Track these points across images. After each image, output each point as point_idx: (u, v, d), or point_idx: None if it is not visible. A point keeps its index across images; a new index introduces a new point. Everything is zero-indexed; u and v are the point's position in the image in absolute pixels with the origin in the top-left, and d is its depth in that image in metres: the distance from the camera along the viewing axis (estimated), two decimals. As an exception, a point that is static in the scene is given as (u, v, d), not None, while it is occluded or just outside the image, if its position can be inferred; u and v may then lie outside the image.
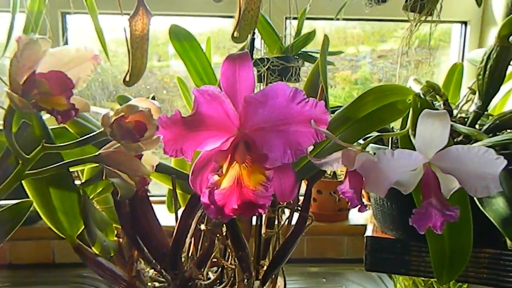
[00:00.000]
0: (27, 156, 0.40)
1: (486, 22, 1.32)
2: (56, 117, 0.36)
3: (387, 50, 1.48)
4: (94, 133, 0.41)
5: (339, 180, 1.18)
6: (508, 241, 0.61)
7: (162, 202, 1.09)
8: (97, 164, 0.48)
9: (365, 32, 1.48)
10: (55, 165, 0.42)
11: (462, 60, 1.37)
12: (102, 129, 0.39)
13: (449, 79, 0.96)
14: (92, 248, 0.56)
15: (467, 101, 0.68)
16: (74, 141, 0.42)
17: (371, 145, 0.53)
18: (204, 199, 0.45)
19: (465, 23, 1.35)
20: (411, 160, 0.39)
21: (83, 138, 0.42)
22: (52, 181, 0.53)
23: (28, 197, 0.53)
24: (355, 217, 1.23)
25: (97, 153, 0.41)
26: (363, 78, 1.50)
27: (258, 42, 0.97)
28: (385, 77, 1.48)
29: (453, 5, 1.31)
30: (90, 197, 0.64)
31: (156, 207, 1.24)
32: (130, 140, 0.38)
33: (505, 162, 0.36)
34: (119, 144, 0.41)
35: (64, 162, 0.42)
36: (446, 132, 0.38)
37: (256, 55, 0.90)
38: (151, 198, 1.32)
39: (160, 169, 0.61)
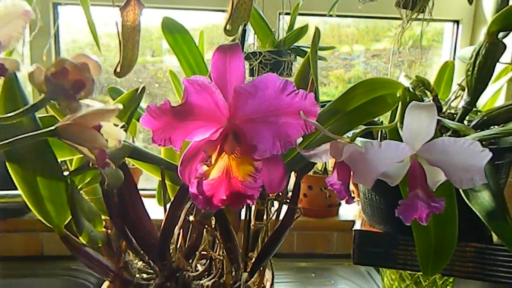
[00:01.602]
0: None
1: (478, 21, 1.33)
2: None
3: (381, 50, 1.49)
4: (36, 101, 0.38)
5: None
6: (494, 236, 0.62)
7: (152, 196, 1.08)
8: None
9: (359, 30, 1.49)
10: (12, 139, 0.39)
11: (454, 58, 1.38)
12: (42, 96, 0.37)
13: (440, 77, 0.97)
14: (80, 238, 0.55)
15: (456, 97, 0.69)
16: (17, 112, 0.39)
17: (360, 139, 0.53)
18: (193, 189, 0.45)
19: (457, 22, 1.36)
20: (398, 151, 0.39)
21: (25, 108, 0.39)
22: (40, 170, 0.53)
23: (15, 185, 0.52)
24: (345, 213, 1.24)
25: (53, 127, 0.38)
26: (356, 77, 1.51)
27: (251, 36, 0.97)
28: (378, 76, 1.49)
29: (446, 4, 1.31)
30: (79, 187, 0.63)
31: (146, 201, 1.24)
32: (65, 98, 0.36)
33: (490, 154, 0.37)
34: (76, 117, 0.39)
35: (20, 136, 0.39)
36: (432, 124, 0.38)
37: (249, 49, 0.90)
38: (141, 192, 1.32)
39: (150, 160, 0.61)
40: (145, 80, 1.48)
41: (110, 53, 1.40)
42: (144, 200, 1.23)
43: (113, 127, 0.41)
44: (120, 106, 0.40)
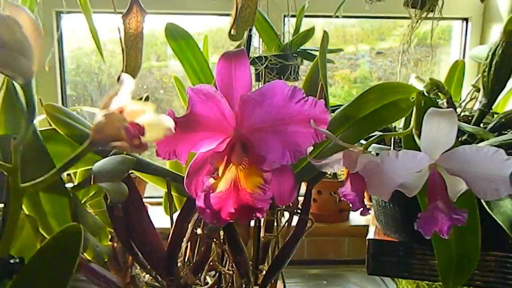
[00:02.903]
0: (9, 166, 0.36)
1: (488, 19, 1.30)
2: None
3: (386, 49, 1.47)
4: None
5: (339, 180, 1.16)
6: (515, 244, 0.59)
7: (159, 204, 1.07)
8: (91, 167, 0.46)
9: (364, 30, 1.47)
10: (53, 170, 0.37)
11: (463, 57, 1.35)
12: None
13: (450, 77, 0.94)
14: (84, 254, 0.54)
15: (471, 99, 0.66)
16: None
17: (373, 145, 0.51)
18: (200, 203, 0.43)
19: (466, 20, 1.33)
20: (416, 161, 0.37)
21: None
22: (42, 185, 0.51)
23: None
24: (356, 218, 1.21)
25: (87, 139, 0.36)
26: (362, 76, 1.49)
27: (256, 40, 0.95)
28: (384, 75, 1.47)
29: (454, 2, 1.29)
30: (83, 201, 0.62)
31: (153, 209, 1.22)
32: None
33: (516, 163, 0.34)
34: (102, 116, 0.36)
35: (60, 167, 0.37)
36: (453, 131, 0.36)
37: (254, 54, 0.88)
38: (148, 200, 1.30)
39: (155, 171, 0.59)
40: (150, 85, 1.47)
41: (116, 59, 1.39)
42: (151, 208, 1.23)
43: (157, 117, 0.37)
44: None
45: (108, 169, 0.38)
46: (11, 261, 0.41)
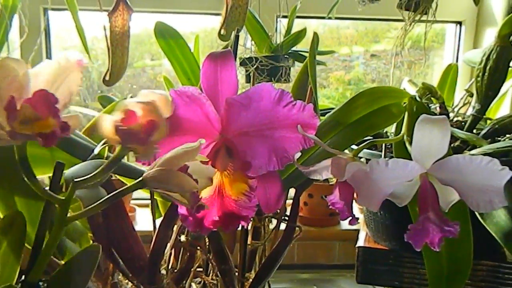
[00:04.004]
0: (62, 198, 0.36)
1: (481, 23, 1.29)
2: (39, 141, 0.31)
3: (380, 51, 1.46)
4: (114, 156, 0.35)
5: (330, 184, 1.15)
6: (508, 253, 0.58)
7: (146, 206, 1.05)
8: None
9: (359, 32, 1.47)
10: (111, 194, 0.37)
11: (457, 61, 1.35)
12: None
13: (443, 81, 0.93)
14: (62, 261, 0.52)
15: (464, 104, 0.65)
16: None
17: (363, 150, 0.49)
18: (182, 210, 0.42)
19: (460, 23, 1.32)
20: (407, 170, 0.35)
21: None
22: (18, 189, 0.49)
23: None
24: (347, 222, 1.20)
25: (141, 178, 0.36)
26: (356, 78, 1.48)
27: (247, 41, 0.93)
28: (378, 77, 1.46)
29: (448, 5, 1.28)
30: (63, 205, 0.59)
31: (141, 211, 1.20)
32: (139, 143, 0.32)
33: (511, 173, 0.33)
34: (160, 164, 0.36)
35: (114, 193, 0.36)
36: (445, 140, 0.34)
37: (244, 54, 0.86)
38: (136, 202, 1.27)
39: (137, 175, 0.57)
40: (144, 84, 1.45)
41: (107, 57, 1.37)
42: (139, 210, 1.20)
43: (200, 164, 0.38)
44: (203, 141, 0.37)
45: (83, 175, 0.36)
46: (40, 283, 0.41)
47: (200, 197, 0.39)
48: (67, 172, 0.40)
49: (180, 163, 0.36)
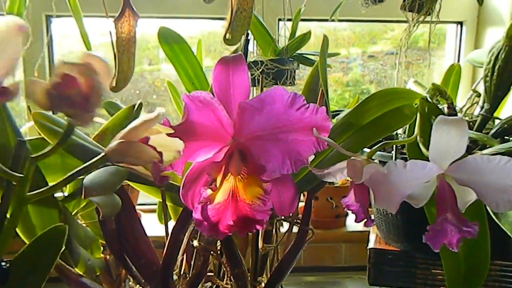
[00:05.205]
0: (21, 175, 0.35)
1: (483, 23, 1.29)
2: None
3: (378, 52, 1.47)
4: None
5: (335, 186, 1.15)
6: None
7: (153, 211, 1.04)
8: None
9: (356, 34, 1.47)
10: (59, 182, 0.36)
11: (458, 61, 1.35)
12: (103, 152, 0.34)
13: (446, 81, 0.93)
14: (75, 268, 0.51)
15: (472, 104, 0.65)
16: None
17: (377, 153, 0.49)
18: (197, 215, 0.41)
19: (461, 23, 1.33)
20: (425, 171, 0.35)
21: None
22: (30, 197, 0.49)
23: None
24: (353, 223, 1.19)
25: (103, 154, 0.35)
26: (354, 80, 1.49)
27: (251, 44, 0.93)
28: (376, 78, 1.47)
29: (449, 5, 1.28)
30: (74, 212, 0.59)
31: (146, 216, 1.19)
32: (75, 110, 0.30)
33: (529, 172, 0.33)
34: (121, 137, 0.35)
35: (71, 173, 0.36)
36: (463, 141, 0.34)
37: (250, 58, 0.86)
38: (141, 207, 1.27)
39: (148, 181, 0.57)
40: (143, 89, 1.44)
41: (112, 63, 1.37)
42: (144, 215, 1.20)
43: (168, 138, 0.37)
44: (163, 110, 0.36)
45: (100, 182, 0.36)
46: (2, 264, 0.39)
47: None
48: (86, 178, 0.40)
49: (139, 134, 0.35)
